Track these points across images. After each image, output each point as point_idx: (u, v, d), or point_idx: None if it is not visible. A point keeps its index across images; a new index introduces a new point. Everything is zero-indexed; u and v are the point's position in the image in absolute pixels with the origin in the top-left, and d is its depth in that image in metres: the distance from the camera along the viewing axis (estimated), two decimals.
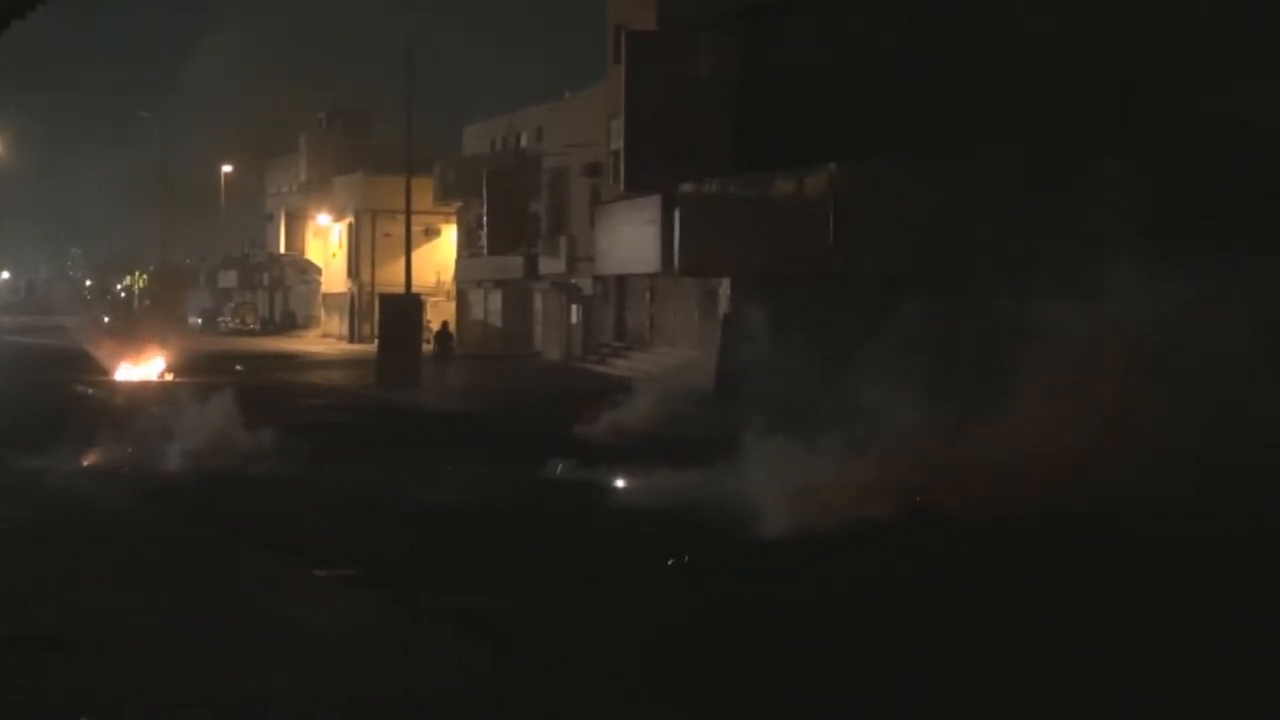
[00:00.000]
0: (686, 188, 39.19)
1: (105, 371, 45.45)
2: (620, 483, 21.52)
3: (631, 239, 47.70)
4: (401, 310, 46.87)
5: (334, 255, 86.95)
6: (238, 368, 50.25)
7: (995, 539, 16.50)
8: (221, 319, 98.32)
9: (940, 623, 13.40)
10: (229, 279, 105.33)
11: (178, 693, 10.30)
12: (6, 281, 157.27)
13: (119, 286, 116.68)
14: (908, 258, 29.40)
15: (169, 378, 44.82)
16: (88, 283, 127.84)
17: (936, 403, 18.51)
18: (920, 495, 17.81)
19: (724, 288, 41.91)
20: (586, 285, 57.98)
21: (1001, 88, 29.58)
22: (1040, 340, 19.12)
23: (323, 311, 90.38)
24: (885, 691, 11.20)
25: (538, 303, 64.59)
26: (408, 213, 56.06)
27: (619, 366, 50.67)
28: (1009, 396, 18.89)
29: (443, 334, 48.53)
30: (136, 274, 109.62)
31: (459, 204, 71.69)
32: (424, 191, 66.37)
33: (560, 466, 22.87)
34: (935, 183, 29.96)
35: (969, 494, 17.35)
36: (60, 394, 39.64)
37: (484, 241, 67.41)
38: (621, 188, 47.30)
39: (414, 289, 54.94)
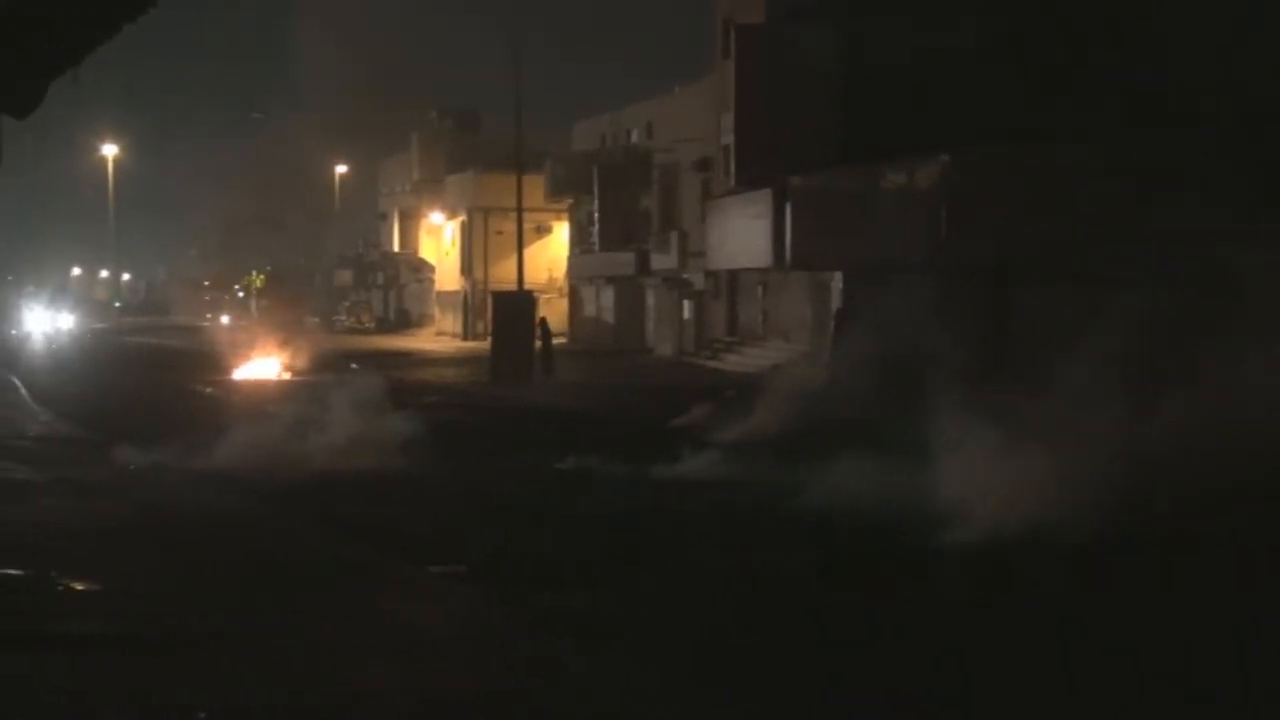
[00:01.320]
0: (796, 181, 38.97)
1: (224, 371, 46.00)
2: (734, 481, 21.38)
3: (742, 233, 47.52)
4: (514, 307, 46.96)
5: (447, 253, 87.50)
6: (353, 366, 50.59)
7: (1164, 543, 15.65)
8: (337, 318, 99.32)
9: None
10: (344, 278, 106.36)
11: (274, 689, 10.35)
12: (128, 283, 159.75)
13: (236, 286, 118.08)
14: (1020, 248, 29.04)
15: (285, 376, 45.26)
16: (205, 283, 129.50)
17: (1054, 394, 17.94)
18: (1049, 492, 16.99)
19: (836, 281, 41.65)
20: (698, 280, 57.86)
21: (1115, 74, 29.14)
22: (1173, 330, 18.53)
23: (437, 309, 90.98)
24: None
25: (650, 299, 64.55)
26: (519, 210, 56.25)
27: (731, 362, 50.53)
28: (1151, 389, 18.13)
29: (542, 329, 48.28)
30: (254, 274, 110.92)
31: (570, 200, 71.84)
32: (535, 188, 66.54)
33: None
34: (1049, 171, 29.57)
35: (1120, 496, 16.47)
36: (178, 394, 40.14)
37: (595, 238, 67.51)
38: (732, 182, 47.13)
39: (526, 286, 55.06)
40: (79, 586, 13.81)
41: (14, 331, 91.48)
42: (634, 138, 66.59)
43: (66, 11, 11.13)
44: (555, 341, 50.32)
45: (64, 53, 11.26)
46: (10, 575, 14.19)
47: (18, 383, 42.74)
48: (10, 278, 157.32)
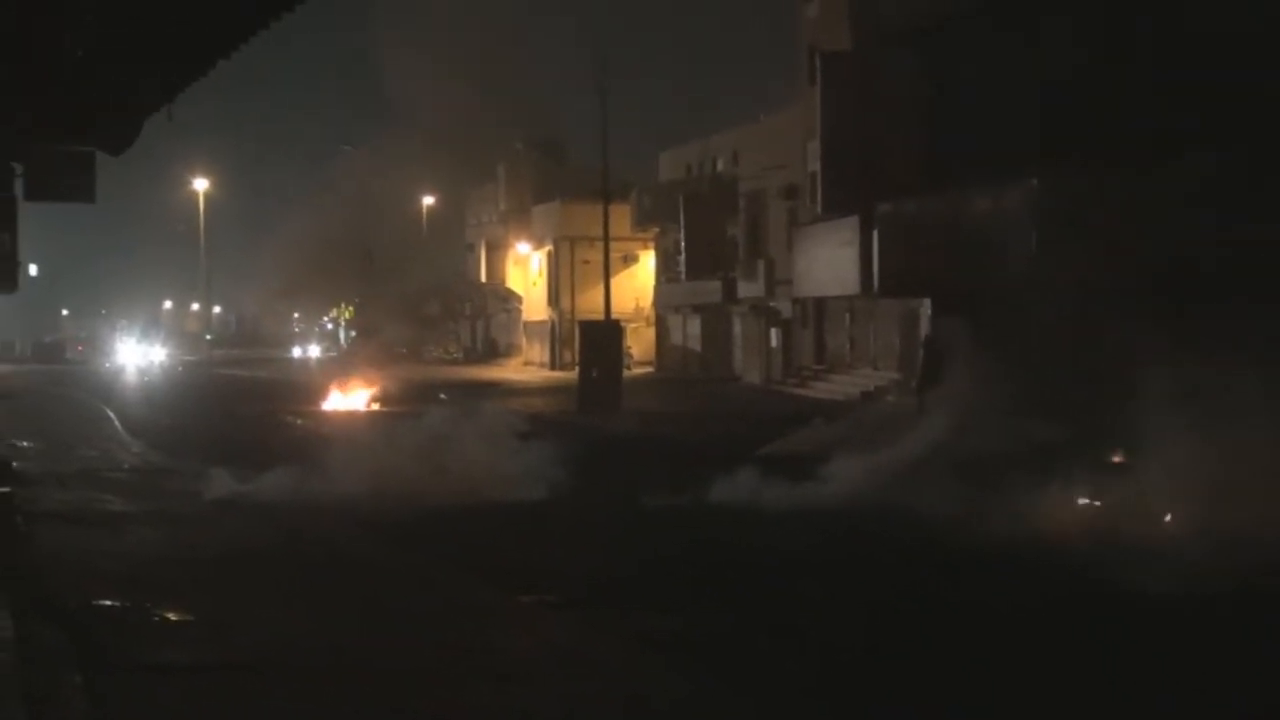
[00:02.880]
0: (884, 208, 38.77)
1: (313, 402, 46.31)
2: (822, 509, 21.26)
3: (830, 261, 47.32)
4: (601, 336, 47.05)
5: (534, 283, 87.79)
6: (441, 396, 50.80)
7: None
8: (425, 348, 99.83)
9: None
10: (432, 308, 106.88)
11: (366, 715, 10.36)
12: (219, 316, 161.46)
13: (326, 318, 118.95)
14: (1111, 271, 28.70)
15: (375, 407, 45.52)
16: (295, 315, 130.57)
17: (1157, 419, 17.53)
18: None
19: (924, 308, 41.38)
20: (785, 308, 57.72)
21: (1205, 94, 28.78)
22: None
23: (524, 339, 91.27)
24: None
25: (736, 326, 64.47)
26: (605, 240, 56.31)
27: (819, 389, 50.34)
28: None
29: None
30: (343, 305, 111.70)
31: (656, 229, 71.90)
32: (621, 218, 66.63)
33: None
34: (1139, 193, 29.23)
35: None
36: (268, 425, 40.44)
37: (682, 266, 67.51)
38: (819, 209, 46.96)
39: (613, 315, 55.06)
40: (173, 616, 13.91)
41: (108, 364, 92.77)
42: (720, 166, 66.57)
43: (161, 50, 11.25)
44: (642, 370, 50.24)
45: (158, 90, 11.38)
46: (108, 606, 14.33)
47: (111, 415, 43.26)
48: (104, 312, 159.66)
